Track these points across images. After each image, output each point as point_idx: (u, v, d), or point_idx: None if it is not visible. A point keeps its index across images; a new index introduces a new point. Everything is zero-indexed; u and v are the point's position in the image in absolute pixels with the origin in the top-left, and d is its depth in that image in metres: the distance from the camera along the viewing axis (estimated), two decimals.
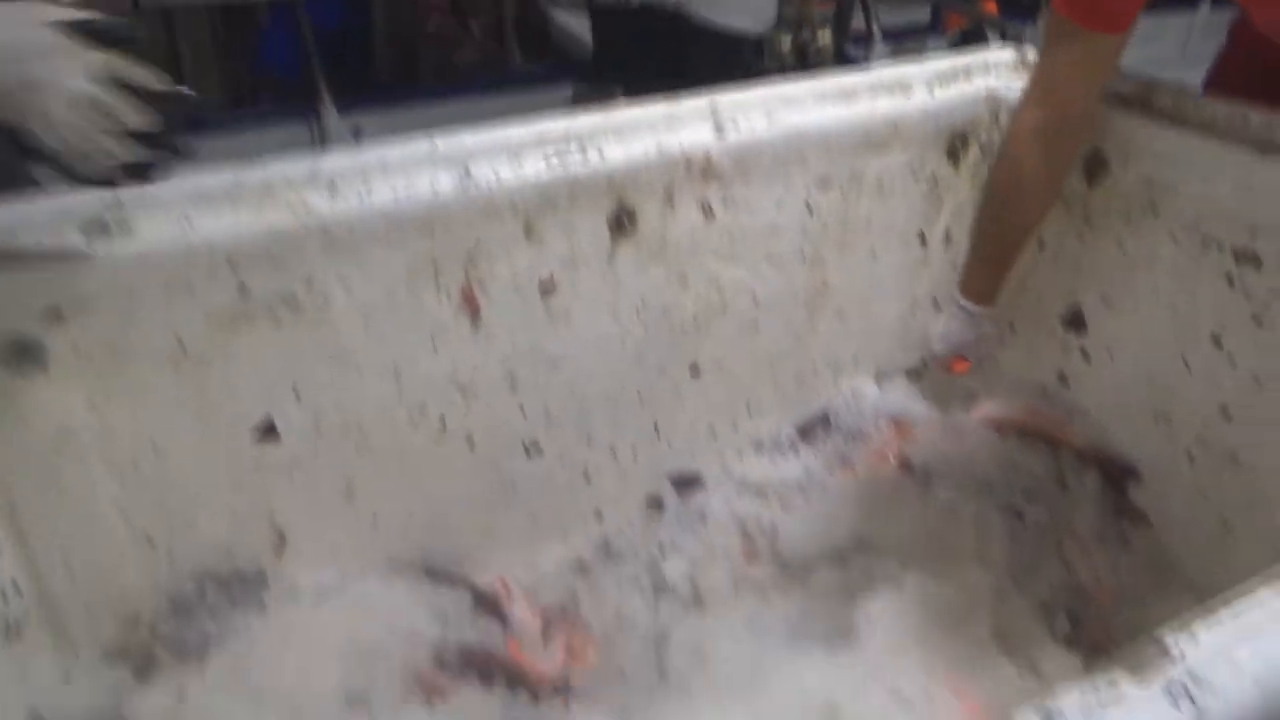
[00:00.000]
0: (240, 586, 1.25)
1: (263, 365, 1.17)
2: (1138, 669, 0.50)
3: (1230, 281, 1.27)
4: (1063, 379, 1.50)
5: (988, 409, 1.46)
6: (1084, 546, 1.36)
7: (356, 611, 1.24)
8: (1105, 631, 1.27)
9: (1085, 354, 1.45)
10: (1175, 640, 0.53)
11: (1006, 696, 1.11)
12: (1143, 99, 1.35)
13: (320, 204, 1.13)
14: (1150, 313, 1.36)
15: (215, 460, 1.19)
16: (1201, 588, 1.32)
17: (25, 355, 1.04)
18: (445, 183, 1.18)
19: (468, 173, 1.20)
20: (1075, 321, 1.47)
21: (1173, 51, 3.56)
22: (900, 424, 1.52)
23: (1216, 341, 1.29)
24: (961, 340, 1.37)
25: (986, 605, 1.23)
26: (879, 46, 3.25)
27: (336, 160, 1.15)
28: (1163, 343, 1.35)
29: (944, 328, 1.39)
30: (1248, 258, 1.25)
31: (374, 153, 1.17)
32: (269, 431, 1.22)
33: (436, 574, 1.34)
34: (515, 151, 1.23)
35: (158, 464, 1.15)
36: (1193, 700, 0.45)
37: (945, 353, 1.38)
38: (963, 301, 1.36)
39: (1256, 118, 1.23)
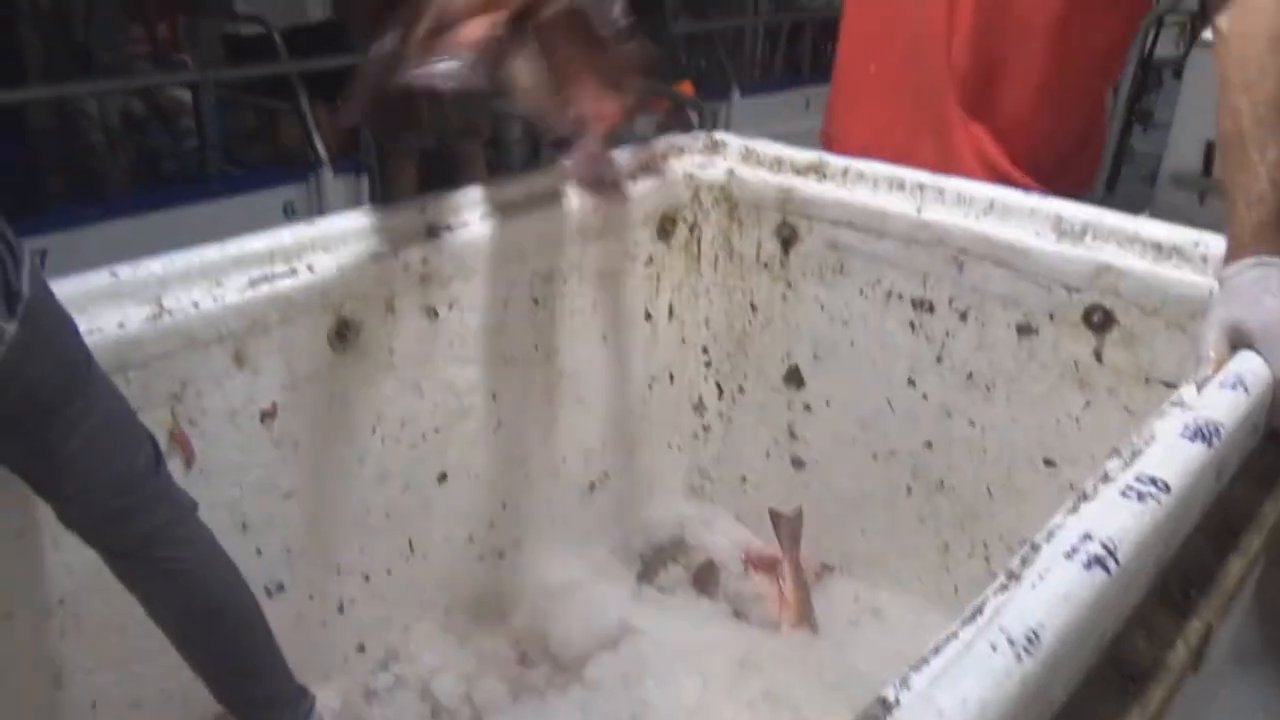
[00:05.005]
0: None
1: None
2: None
3: (912, 327, 1.42)
4: (791, 433, 1.60)
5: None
6: None
7: None
8: None
9: (807, 407, 1.56)
10: (894, 692, 0.57)
11: None
12: (816, 169, 1.50)
13: None
14: (854, 364, 1.50)
15: None
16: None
17: None
18: (135, 317, 1.09)
19: (161, 304, 1.11)
20: (794, 378, 1.58)
21: None
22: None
23: (910, 382, 1.44)
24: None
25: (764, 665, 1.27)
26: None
27: None
28: (868, 389, 1.49)
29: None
30: (922, 305, 1.41)
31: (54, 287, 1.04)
32: None
33: None
34: (215, 275, 1.16)
35: None
36: None
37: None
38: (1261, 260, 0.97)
39: (912, 176, 1.40)
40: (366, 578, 1.35)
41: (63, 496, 0.92)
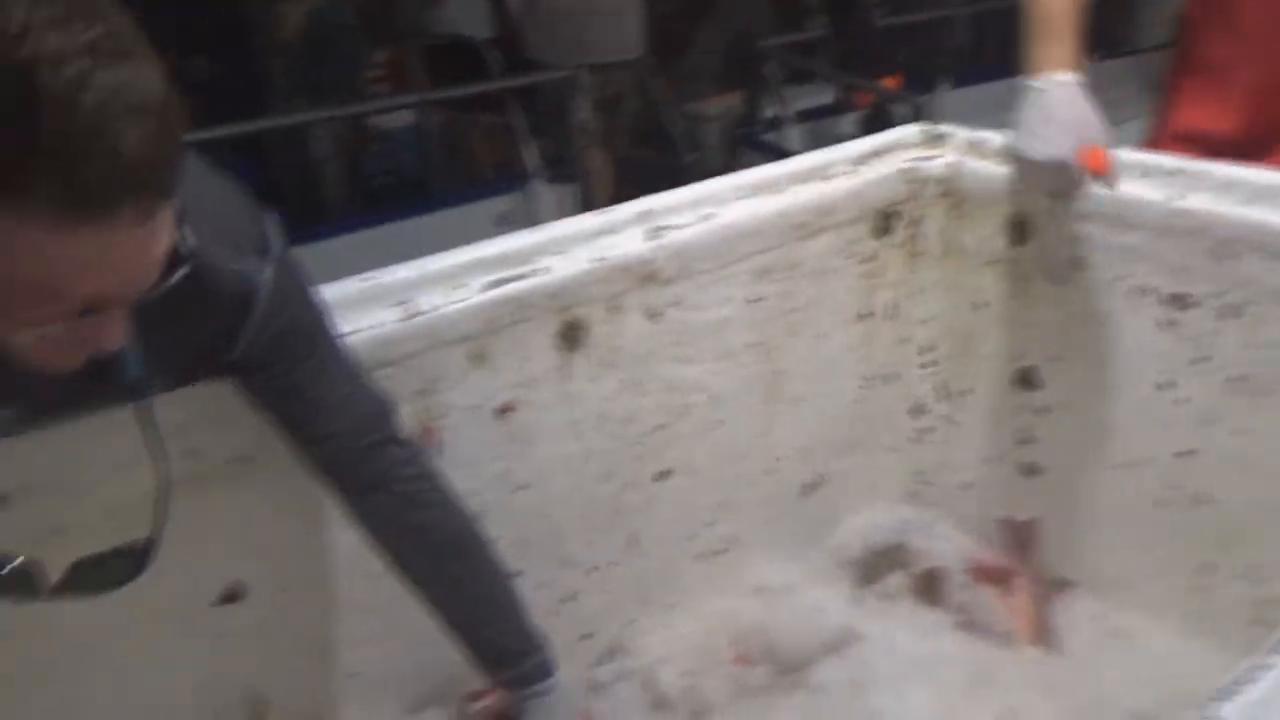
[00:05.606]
0: None
1: (222, 528, 1.12)
2: None
3: (1165, 326, 1.31)
4: (1023, 438, 1.51)
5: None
6: None
7: None
8: None
9: (1042, 411, 1.47)
10: None
11: None
12: None
13: None
14: (1096, 365, 1.39)
15: (180, 634, 1.13)
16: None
17: None
18: (389, 318, 1.17)
19: (410, 306, 1.18)
20: (1028, 380, 1.49)
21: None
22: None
23: (1163, 386, 1.32)
24: (1079, 119, 1.21)
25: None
26: (792, 130, 3.37)
27: None
28: (1113, 393, 1.38)
29: (1031, 131, 1.22)
30: (1177, 301, 1.29)
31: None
32: (233, 596, 1.16)
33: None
34: (455, 279, 1.22)
35: (120, 648, 1.08)
36: None
37: (1067, 148, 1.19)
38: (1052, 76, 1.22)
39: (1168, 163, 1.29)
40: (591, 570, 1.39)
41: (313, 438, 1.00)
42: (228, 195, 0.91)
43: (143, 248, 0.66)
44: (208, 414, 1.05)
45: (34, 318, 0.65)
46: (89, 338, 0.70)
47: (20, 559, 0.85)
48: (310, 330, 0.97)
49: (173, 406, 1.02)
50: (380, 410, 1.04)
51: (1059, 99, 1.22)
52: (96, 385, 0.82)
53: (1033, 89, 1.24)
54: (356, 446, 1.01)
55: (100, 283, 0.65)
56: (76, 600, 0.88)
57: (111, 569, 0.88)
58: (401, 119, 3.47)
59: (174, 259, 0.71)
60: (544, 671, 1.11)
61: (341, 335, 1.04)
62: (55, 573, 0.87)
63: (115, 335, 0.71)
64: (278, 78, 3.45)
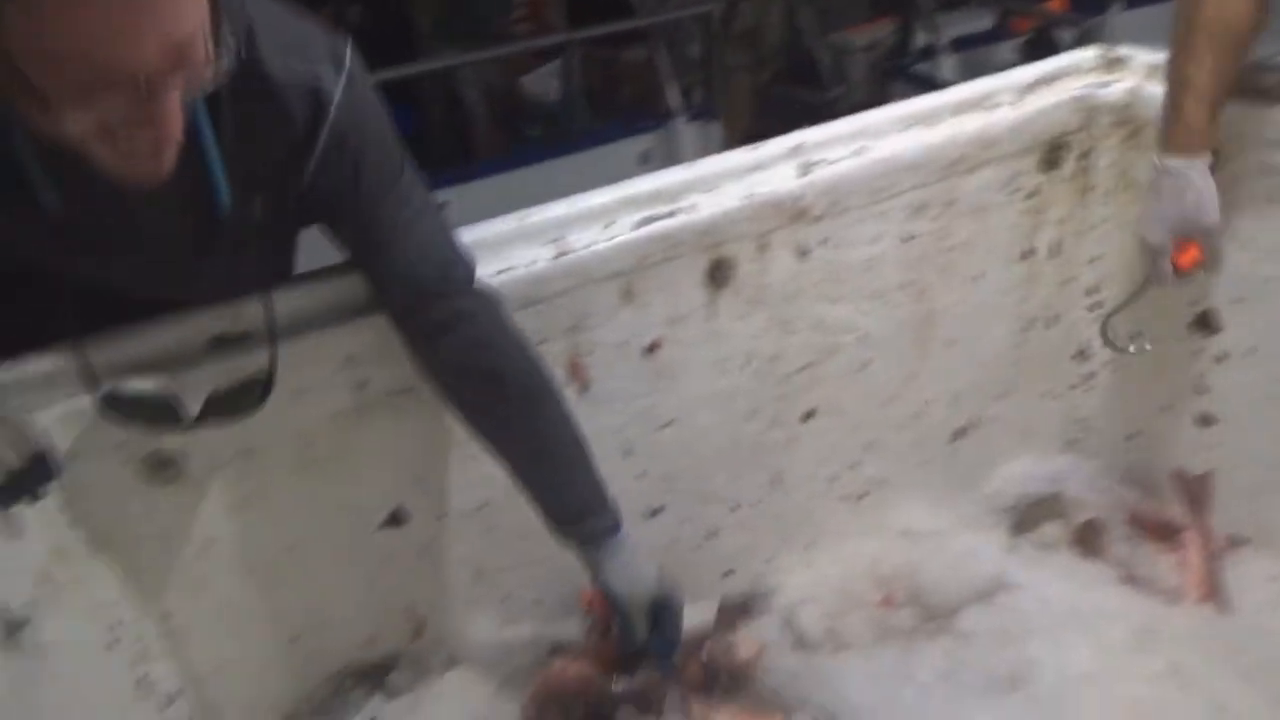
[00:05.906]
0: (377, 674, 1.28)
1: (386, 456, 1.19)
2: None
3: None
4: (1199, 387, 1.41)
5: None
6: None
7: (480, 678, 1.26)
8: None
9: (1221, 358, 1.36)
10: None
11: None
12: (1247, 82, 1.28)
13: None
14: None
15: (349, 553, 1.21)
16: None
17: (163, 467, 1.08)
18: (542, 256, 1.19)
19: (562, 244, 1.20)
20: (1206, 324, 1.39)
21: None
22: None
23: None
24: (1177, 214, 1.20)
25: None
26: (946, 60, 3.20)
27: None
28: None
29: (1146, 209, 1.23)
30: None
31: (468, 233, 1.17)
32: (396, 520, 1.24)
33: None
34: (606, 217, 1.23)
35: (297, 563, 1.18)
36: None
37: (1162, 239, 1.21)
38: (1164, 160, 1.20)
39: None
40: (734, 508, 1.40)
41: (392, 275, 1.01)
42: (301, 16, 0.92)
43: (157, 11, 0.68)
44: (373, 348, 1.11)
45: (83, 100, 0.69)
46: (148, 126, 0.72)
47: (152, 387, 0.95)
48: (390, 163, 0.98)
49: (341, 340, 1.10)
50: (461, 259, 1.04)
51: (1170, 188, 1.20)
52: (192, 214, 0.87)
53: (1155, 167, 1.22)
54: (432, 289, 1.01)
55: (131, 51, 0.67)
56: (214, 427, 0.98)
57: (240, 399, 0.97)
58: (549, 85, 3.43)
59: (226, 54, 0.74)
60: (615, 526, 1.10)
61: (424, 184, 1.03)
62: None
63: (173, 119, 0.73)
64: (426, 23, 3.52)
